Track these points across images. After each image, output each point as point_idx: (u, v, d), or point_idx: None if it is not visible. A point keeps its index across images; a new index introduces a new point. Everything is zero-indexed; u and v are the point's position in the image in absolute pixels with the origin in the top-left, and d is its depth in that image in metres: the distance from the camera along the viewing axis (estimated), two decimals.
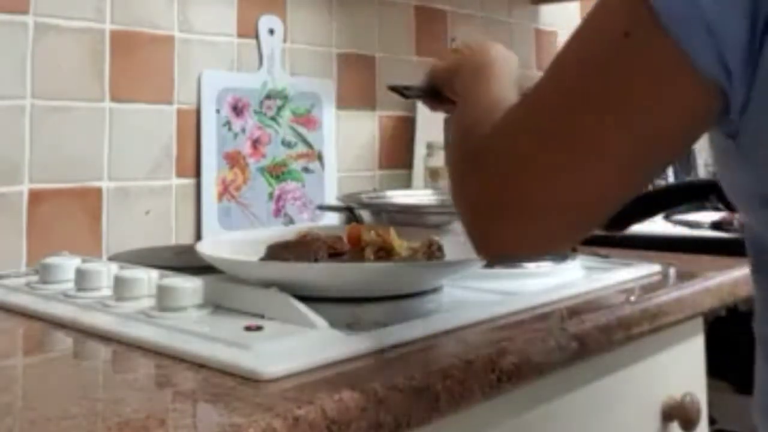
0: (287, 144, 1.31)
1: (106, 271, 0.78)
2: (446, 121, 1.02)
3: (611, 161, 0.51)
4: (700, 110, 0.49)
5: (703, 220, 1.26)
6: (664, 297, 0.84)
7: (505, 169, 0.53)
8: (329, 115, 1.37)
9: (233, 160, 1.23)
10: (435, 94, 0.85)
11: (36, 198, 1.01)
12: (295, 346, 0.60)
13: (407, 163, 1.53)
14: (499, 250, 0.57)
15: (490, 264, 0.83)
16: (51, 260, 0.84)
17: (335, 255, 0.80)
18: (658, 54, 0.47)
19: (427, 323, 0.67)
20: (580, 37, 0.53)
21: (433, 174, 1.34)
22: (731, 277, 0.94)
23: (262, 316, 0.68)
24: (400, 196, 1.16)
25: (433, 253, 0.81)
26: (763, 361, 0.59)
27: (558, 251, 0.88)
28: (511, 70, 0.75)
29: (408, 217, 0.98)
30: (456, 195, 0.59)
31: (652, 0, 0.47)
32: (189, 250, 0.87)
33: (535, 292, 0.81)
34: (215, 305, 0.71)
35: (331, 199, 1.31)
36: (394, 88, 0.93)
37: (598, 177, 0.51)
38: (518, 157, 0.53)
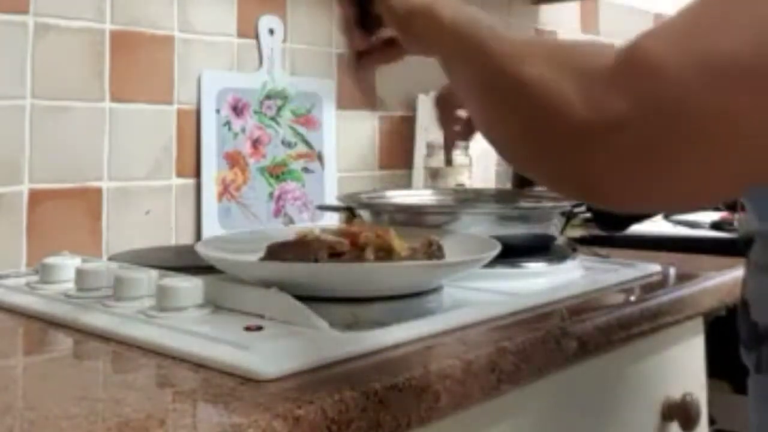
0: (287, 144, 1.31)
1: (106, 271, 0.78)
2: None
3: None
4: None
5: (703, 220, 1.26)
6: (664, 297, 0.84)
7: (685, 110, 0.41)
8: (329, 115, 1.37)
9: (233, 160, 1.23)
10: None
11: (36, 198, 1.01)
12: (295, 346, 0.60)
13: (407, 163, 1.53)
14: (637, 201, 0.48)
15: (491, 264, 0.83)
16: (51, 260, 0.84)
17: (335, 255, 0.79)
18: None
19: (427, 323, 0.67)
20: None
21: (433, 174, 1.34)
22: (731, 277, 0.94)
23: (262, 316, 0.68)
24: (400, 196, 1.15)
25: (433, 253, 0.81)
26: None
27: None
28: None
29: (408, 217, 0.98)
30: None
31: None
32: (189, 250, 0.87)
33: (535, 292, 0.81)
34: (215, 305, 0.71)
35: (331, 199, 1.31)
36: None
37: None
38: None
